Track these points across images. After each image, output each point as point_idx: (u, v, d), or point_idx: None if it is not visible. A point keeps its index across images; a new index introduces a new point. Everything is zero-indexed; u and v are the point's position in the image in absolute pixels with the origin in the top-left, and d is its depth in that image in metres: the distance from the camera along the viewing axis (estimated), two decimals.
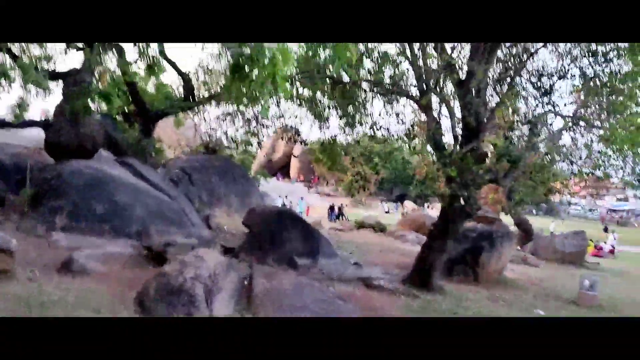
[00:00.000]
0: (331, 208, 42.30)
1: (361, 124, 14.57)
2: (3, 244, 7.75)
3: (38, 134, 16.69)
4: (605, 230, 49.57)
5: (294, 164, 69.74)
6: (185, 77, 21.43)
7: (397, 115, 13.65)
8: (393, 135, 14.20)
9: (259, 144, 23.96)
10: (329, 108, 15.31)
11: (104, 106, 23.47)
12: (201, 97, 21.99)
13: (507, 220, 30.21)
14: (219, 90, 21.16)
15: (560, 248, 24.92)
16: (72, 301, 7.22)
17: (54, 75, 14.98)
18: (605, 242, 35.76)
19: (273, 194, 44.62)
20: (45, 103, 57.80)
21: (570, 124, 12.10)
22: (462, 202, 12.03)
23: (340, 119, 14.80)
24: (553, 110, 11.81)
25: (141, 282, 7.94)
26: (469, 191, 11.75)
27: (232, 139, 22.92)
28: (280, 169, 70.94)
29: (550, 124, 13.34)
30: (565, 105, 12.52)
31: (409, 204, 60.56)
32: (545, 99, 11.58)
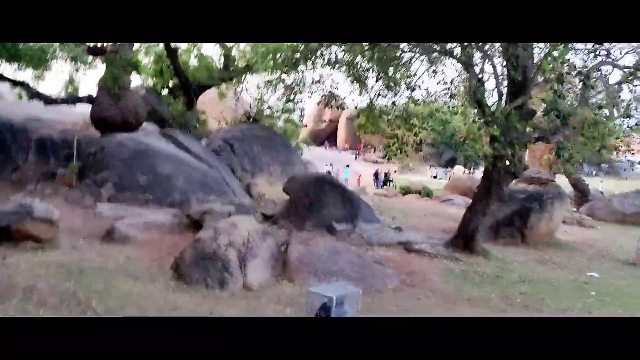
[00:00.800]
0: (376, 174, 41.72)
1: (399, 86, 14.13)
2: (47, 214, 7.99)
3: (87, 110, 17.15)
4: None
5: (341, 132, 69.14)
6: (224, 47, 21.44)
7: (435, 73, 13.10)
8: (433, 96, 13.71)
9: (301, 111, 23.85)
10: (370, 71, 14.90)
11: (150, 81, 24.01)
12: (241, 66, 21.96)
13: (563, 182, 29.26)
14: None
15: (619, 208, 23.83)
16: (112, 267, 7.39)
17: (94, 51, 15.20)
18: None
19: (319, 162, 44.67)
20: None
21: (629, 75, 11.29)
22: (506, 162, 11.55)
23: (377, 81, 14.40)
24: (609, 60, 11.03)
25: (180, 249, 8.04)
26: (514, 150, 11.23)
27: (271, 108, 22.91)
28: (327, 137, 70.55)
29: (606, 76, 12.56)
30: (621, 55, 11.53)
31: (458, 168, 59.27)
32: (602, 49, 10.84)
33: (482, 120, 11.57)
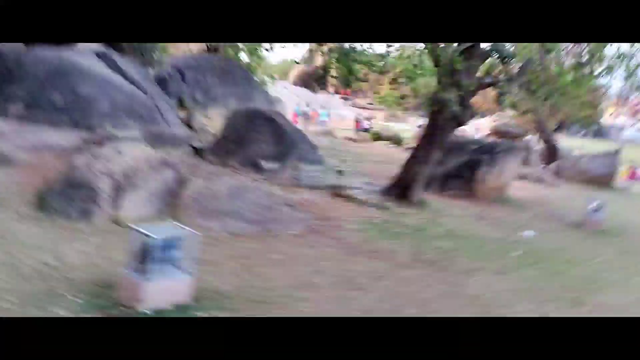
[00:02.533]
0: (356, 120, 40.90)
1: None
2: None
3: None
4: None
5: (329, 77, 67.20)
6: None
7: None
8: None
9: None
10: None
11: None
12: None
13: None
14: None
15: (586, 168, 23.24)
16: None
17: None
18: None
19: (297, 101, 43.44)
20: None
21: None
22: (456, 107, 10.68)
23: None
24: None
25: None
26: (458, 95, 10.36)
27: None
28: (317, 80, 68.64)
29: None
30: None
31: None
32: None
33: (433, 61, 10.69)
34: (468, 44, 10.10)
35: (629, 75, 10.58)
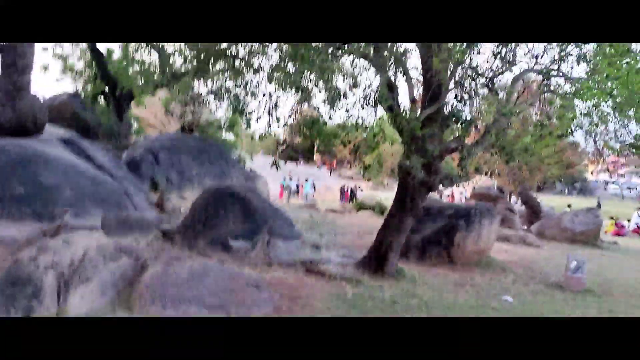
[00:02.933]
0: (342, 190, 41.09)
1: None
2: None
3: None
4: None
5: (317, 148, 68.04)
6: (157, 50, 20.25)
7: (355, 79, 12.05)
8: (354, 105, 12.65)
9: (248, 122, 22.64)
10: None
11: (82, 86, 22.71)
12: (181, 71, 20.77)
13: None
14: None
15: (569, 226, 23.08)
16: None
17: None
18: (629, 220, 33.28)
19: (279, 176, 43.49)
20: None
21: (544, 77, 10.40)
22: (422, 173, 10.58)
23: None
24: (513, 61, 9.95)
25: None
26: (427, 161, 10.28)
27: (213, 118, 21.75)
28: (303, 153, 69.49)
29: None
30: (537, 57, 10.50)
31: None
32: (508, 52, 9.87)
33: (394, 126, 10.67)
34: (432, 110, 10.17)
35: (590, 134, 10.62)
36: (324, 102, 11.18)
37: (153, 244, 10.95)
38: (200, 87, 22.19)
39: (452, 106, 9.51)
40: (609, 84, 9.61)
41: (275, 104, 14.99)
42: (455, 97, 9.59)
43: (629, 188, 76.29)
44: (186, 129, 21.09)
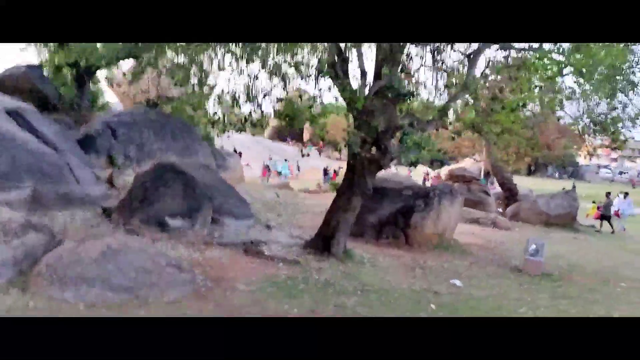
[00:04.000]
0: (325, 171, 40.65)
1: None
2: None
3: None
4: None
5: (306, 129, 67.10)
6: None
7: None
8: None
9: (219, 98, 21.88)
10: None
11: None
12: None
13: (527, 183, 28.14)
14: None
15: (544, 209, 22.72)
16: None
17: None
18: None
19: (263, 155, 43.01)
20: None
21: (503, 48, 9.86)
22: (372, 151, 10.09)
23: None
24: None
25: None
26: (373, 137, 9.78)
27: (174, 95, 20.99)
28: (291, 134, 68.44)
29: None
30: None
31: (421, 168, 58.20)
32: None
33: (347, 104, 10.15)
34: (380, 85, 9.61)
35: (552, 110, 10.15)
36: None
37: (90, 220, 10.42)
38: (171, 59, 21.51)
39: (390, 77, 8.92)
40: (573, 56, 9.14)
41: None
42: (402, 69, 9.03)
43: (620, 172, 76.20)
44: (150, 102, 20.36)
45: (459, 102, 11.40)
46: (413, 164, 66.14)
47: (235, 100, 10.82)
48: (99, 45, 19.39)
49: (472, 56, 10.64)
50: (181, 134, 19.65)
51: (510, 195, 25.19)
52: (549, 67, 8.48)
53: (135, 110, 19.34)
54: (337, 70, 9.83)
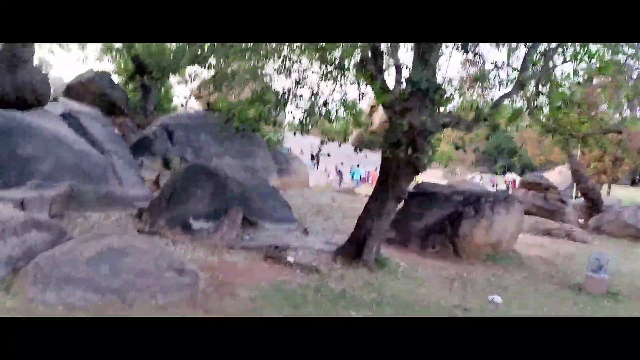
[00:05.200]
0: (339, 172, 39.57)
1: None
2: None
3: None
4: None
5: None
6: None
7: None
8: None
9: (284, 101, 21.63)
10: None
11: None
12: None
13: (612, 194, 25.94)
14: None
15: (631, 222, 20.56)
16: None
17: None
18: None
19: (332, 161, 42.62)
20: None
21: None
22: (408, 152, 9.32)
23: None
24: None
25: None
26: (413, 138, 9.02)
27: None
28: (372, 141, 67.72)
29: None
30: None
31: (509, 176, 55.58)
32: None
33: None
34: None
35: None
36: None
37: (122, 220, 10.43)
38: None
39: (409, 70, 8.14)
40: None
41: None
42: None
43: None
44: (210, 106, 20.54)
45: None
46: (504, 171, 63.23)
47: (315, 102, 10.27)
48: (168, 45, 19.92)
49: (526, 53, 9.65)
50: (240, 137, 19.65)
51: (593, 205, 23.03)
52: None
53: (194, 113, 19.60)
54: (369, 67, 9.17)
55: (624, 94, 16.04)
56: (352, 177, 37.46)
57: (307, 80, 10.12)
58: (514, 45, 9.71)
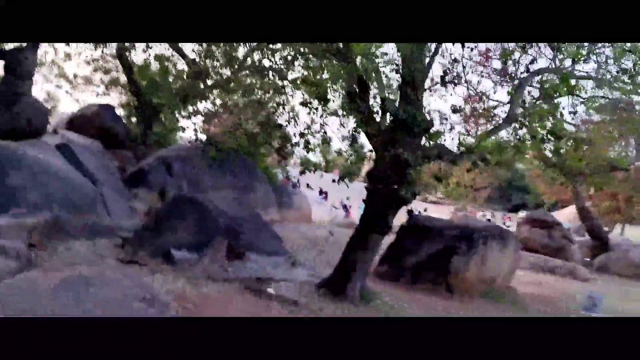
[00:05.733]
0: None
1: None
2: None
3: None
4: None
5: None
6: (187, 61, 20.07)
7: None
8: None
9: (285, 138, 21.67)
10: None
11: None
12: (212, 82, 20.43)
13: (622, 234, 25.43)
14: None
15: (637, 261, 20.07)
16: None
17: None
18: None
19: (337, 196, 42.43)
20: None
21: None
22: (394, 185, 9.17)
23: None
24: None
25: None
26: (401, 169, 8.90)
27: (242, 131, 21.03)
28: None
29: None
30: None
31: (522, 214, 54.85)
32: None
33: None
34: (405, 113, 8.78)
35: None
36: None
37: (105, 250, 10.31)
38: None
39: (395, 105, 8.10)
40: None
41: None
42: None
43: None
44: (210, 140, 20.58)
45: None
46: (518, 209, 62.32)
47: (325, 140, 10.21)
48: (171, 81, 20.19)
49: (518, 85, 9.60)
50: (240, 171, 19.65)
51: (601, 244, 22.54)
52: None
53: (192, 145, 19.60)
54: (356, 100, 9.14)
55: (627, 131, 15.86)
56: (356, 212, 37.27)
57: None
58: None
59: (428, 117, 9.23)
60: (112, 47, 20.35)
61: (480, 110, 10.38)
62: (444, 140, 10.31)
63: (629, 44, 8.30)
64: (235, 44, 17.86)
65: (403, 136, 8.95)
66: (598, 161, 13.30)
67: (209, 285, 8.74)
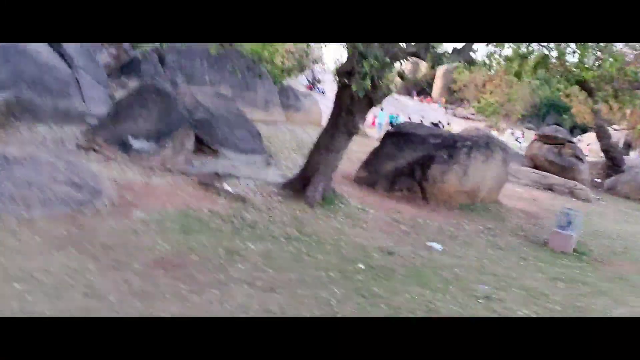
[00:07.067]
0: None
1: None
2: None
3: None
4: None
5: (437, 84, 63.54)
6: None
7: None
8: None
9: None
10: None
11: None
12: None
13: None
14: None
15: None
16: None
17: None
18: None
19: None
20: None
21: None
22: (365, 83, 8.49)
23: None
24: None
25: None
26: (369, 66, 8.17)
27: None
28: (421, 89, 65.43)
29: None
30: None
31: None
32: None
33: None
34: None
35: None
36: None
37: (67, 137, 10.07)
38: None
39: None
40: None
41: None
42: None
43: None
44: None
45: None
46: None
47: None
48: None
49: None
50: (242, 69, 18.94)
51: (614, 165, 21.56)
52: None
53: (195, 43, 18.83)
54: None
55: None
56: (391, 122, 36.44)
57: None
58: None
59: None
60: None
61: None
62: None
63: None
64: None
65: None
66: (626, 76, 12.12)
67: (161, 177, 8.48)
